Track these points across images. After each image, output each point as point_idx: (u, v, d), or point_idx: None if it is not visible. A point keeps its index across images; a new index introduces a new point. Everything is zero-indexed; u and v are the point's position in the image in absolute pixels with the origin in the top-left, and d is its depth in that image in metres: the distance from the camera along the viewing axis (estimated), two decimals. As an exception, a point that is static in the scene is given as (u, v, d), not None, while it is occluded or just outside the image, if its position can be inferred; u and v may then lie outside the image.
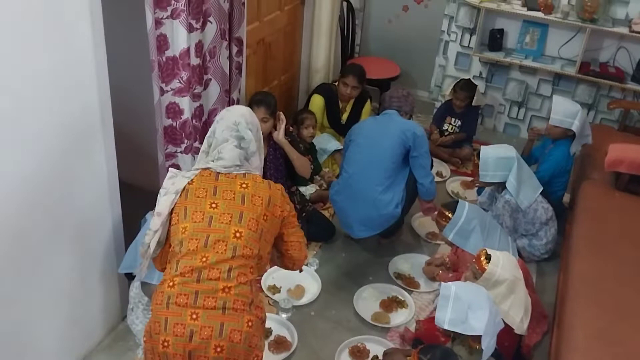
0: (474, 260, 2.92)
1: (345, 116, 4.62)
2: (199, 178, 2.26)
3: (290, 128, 3.90)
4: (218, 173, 2.27)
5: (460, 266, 3.35)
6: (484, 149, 3.74)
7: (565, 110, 3.91)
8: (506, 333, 2.74)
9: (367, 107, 4.64)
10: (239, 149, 2.30)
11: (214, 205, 2.19)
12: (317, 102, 4.49)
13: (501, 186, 3.71)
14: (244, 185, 2.24)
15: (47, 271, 2.59)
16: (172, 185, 2.25)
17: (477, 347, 2.51)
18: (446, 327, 2.51)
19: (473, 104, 4.79)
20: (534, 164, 4.17)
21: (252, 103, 3.61)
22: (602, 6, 4.55)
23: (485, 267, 2.83)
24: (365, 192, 3.52)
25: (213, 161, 2.29)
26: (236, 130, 2.31)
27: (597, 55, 4.85)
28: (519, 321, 2.84)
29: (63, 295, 2.73)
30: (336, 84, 4.60)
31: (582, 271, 3.19)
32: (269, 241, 2.30)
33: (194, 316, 2.05)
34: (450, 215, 3.33)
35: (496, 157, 3.65)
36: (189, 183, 2.24)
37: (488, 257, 2.86)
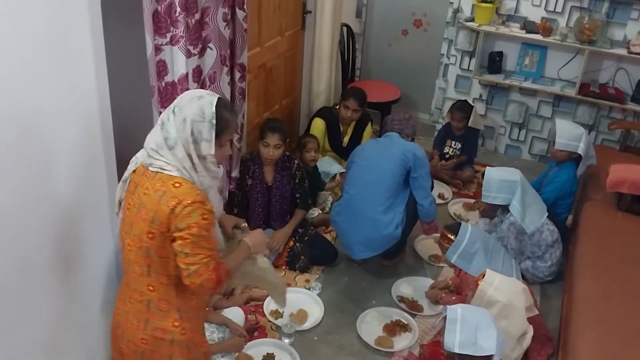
0: (476, 280, 2.91)
1: (346, 139, 4.65)
2: (140, 168, 2.15)
3: (287, 153, 3.91)
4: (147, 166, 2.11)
5: (464, 289, 3.34)
6: (488, 170, 3.75)
7: (570, 134, 3.94)
8: None
9: (368, 129, 4.67)
10: (160, 130, 2.09)
11: (128, 207, 2.15)
12: (319, 126, 4.53)
13: (506, 208, 3.71)
14: (145, 192, 2.07)
15: (48, 297, 2.58)
16: (126, 172, 2.21)
17: None
18: (457, 350, 2.49)
19: (469, 124, 4.81)
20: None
21: (266, 129, 3.68)
22: (600, 28, 4.59)
23: (477, 284, 2.82)
24: (365, 213, 3.53)
25: None
26: (170, 110, 2.10)
27: (596, 77, 4.88)
28: (509, 349, 2.82)
29: (64, 321, 2.72)
30: (337, 107, 4.63)
31: (585, 292, 3.18)
32: (167, 258, 2.11)
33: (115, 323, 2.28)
34: (452, 237, 3.33)
35: (500, 179, 3.66)
36: (133, 171, 2.18)
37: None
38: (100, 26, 2.47)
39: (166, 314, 2.16)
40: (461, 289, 3.39)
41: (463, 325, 2.53)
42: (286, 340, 3.27)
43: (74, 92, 2.44)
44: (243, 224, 2.54)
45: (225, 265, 2.16)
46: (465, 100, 4.88)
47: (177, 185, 2.02)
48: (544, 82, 4.99)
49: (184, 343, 2.19)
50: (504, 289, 2.85)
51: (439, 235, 3.55)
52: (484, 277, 2.87)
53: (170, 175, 2.04)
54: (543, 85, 4.95)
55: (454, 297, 3.37)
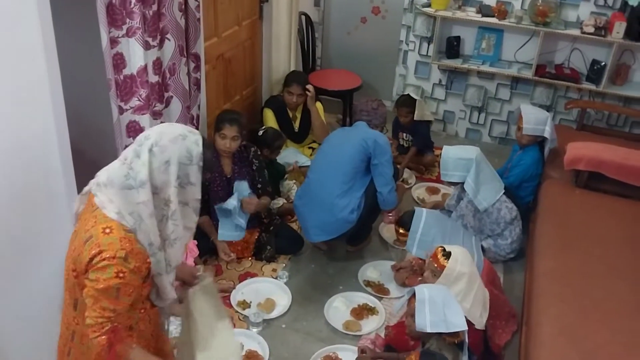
0: (431, 258, 2.93)
1: (297, 124, 4.66)
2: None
3: (243, 143, 3.87)
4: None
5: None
6: (445, 149, 3.78)
7: (536, 119, 4.07)
8: (470, 330, 2.76)
9: (319, 106, 4.66)
10: (121, 166, 1.85)
11: (76, 229, 1.97)
12: (269, 115, 4.57)
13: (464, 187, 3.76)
14: (76, 225, 1.91)
15: (13, 294, 2.53)
16: (87, 186, 1.99)
17: (455, 341, 2.52)
18: (429, 330, 2.48)
19: (415, 118, 4.78)
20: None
21: (224, 121, 3.63)
22: (554, 9, 4.66)
23: (445, 264, 2.85)
24: (322, 197, 3.55)
25: None
26: (144, 147, 1.83)
27: (552, 58, 4.96)
28: (479, 316, 2.87)
29: (30, 319, 2.67)
30: (282, 95, 4.64)
31: (546, 269, 3.24)
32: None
33: None
34: (403, 231, 3.34)
35: (455, 157, 3.70)
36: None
37: (447, 254, 2.89)
38: (50, 21, 2.42)
39: (88, 349, 1.96)
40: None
41: (432, 305, 2.54)
42: (254, 330, 3.27)
43: (26, 86, 2.39)
44: (199, 273, 2.27)
45: (127, 339, 1.92)
46: (408, 94, 4.84)
47: (107, 231, 1.80)
48: (501, 65, 5.05)
49: None
50: (465, 261, 2.88)
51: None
52: (439, 253, 2.88)
53: (106, 216, 1.82)
54: (500, 68, 5.02)
55: (419, 278, 3.40)
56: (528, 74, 4.90)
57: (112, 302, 1.84)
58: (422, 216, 3.34)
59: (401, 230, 3.39)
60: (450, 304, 2.55)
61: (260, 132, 4.21)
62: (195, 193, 1.91)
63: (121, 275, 1.80)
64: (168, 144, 1.84)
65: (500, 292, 3.37)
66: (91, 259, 1.80)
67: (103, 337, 1.85)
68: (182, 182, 1.86)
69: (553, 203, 3.80)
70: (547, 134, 4.04)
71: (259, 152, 3.90)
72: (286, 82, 4.58)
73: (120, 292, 1.84)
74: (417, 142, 4.87)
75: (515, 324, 3.38)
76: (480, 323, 2.86)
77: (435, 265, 2.88)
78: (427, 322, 2.49)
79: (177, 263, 1.99)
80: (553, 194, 3.89)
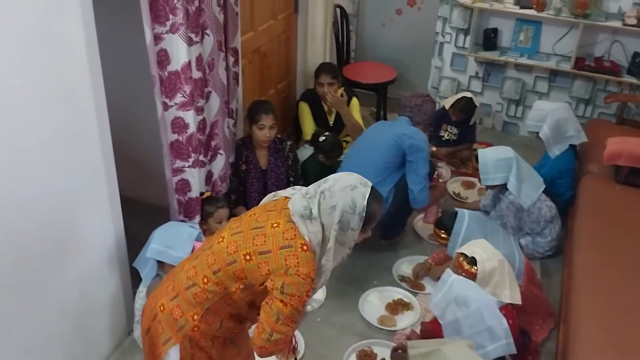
0: (455, 265, 2.91)
1: (332, 118, 4.62)
2: (283, 199, 2.21)
3: (278, 135, 3.90)
4: None
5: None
6: (481, 152, 3.72)
7: (538, 116, 4.05)
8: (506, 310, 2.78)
9: (354, 103, 4.59)
10: (302, 198, 2.11)
11: (250, 215, 2.22)
12: (304, 109, 4.54)
13: (504, 187, 3.71)
14: (274, 225, 2.10)
15: (50, 290, 2.59)
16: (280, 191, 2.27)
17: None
18: (431, 307, 2.68)
19: (470, 124, 4.77)
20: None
21: (259, 111, 3.68)
22: (594, 1, 4.57)
23: (474, 271, 2.83)
24: None
25: None
26: (319, 189, 2.11)
27: (591, 50, 4.86)
28: (516, 293, 2.89)
29: (67, 313, 2.74)
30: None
31: (585, 265, 3.20)
32: (242, 280, 2.14)
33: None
34: (444, 234, 3.33)
35: (494, 159, 3.64)
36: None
37: (471, 260, 2.85)
38: (92, 17, 2.46)
39: (194, 305, 2.12)
40: (445, 261, 3.47)
41: (447, 290, 2.70)
42: (289, 323, 3.30)
43: (67, 84, 2.43)
44: None
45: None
46: (471, 99, 4.73)
47: (304, 248, 2.02)
48: (539, 58, 4.97)
49: (188, 337, 2.14)
50: (489, 254, 2.87)
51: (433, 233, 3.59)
52: (464, 261, 2.87)
53: (302, 235, 2.03)
54: (538, 61, 4.94)
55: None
56: (567, 66, 4.81)
57: (299, 315, 2.09)
58: (465, 219, 3.30)
59: (443, 235, 3.36)
60: (461, 305, 2.71)
61: (322, 138, 4.15)
62: (353, 236, 2.09)
63: (309, 294, 2.04)
64: (337, 191, 2.06)
65: (540, 290, 3.33)
66: (287, 268, 2.00)
67: (285, 345, 2.13)
68: (343, 226, 2.05)
69: (592, 199, 3.74)
70: (542, 134, 4.00)
71: (295, 147, 3.92)
72: (316, 74, 4.57)
73: (304, 308, 2.12)
74: (465, 137, 4.82)
75: (553, 322, 3.34)
76: (516, 299, 2.88)
77: (464, 274, 2.85)
78: (434, 300, 2.77)
79: (317, 289, 2.17)
80: (592, 189, 3.83)
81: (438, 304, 2.73)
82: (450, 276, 2.75)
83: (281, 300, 2.01)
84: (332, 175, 2.16)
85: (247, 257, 2.04)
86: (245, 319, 2.27)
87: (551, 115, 3.97)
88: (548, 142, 4.03)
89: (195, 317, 2.12)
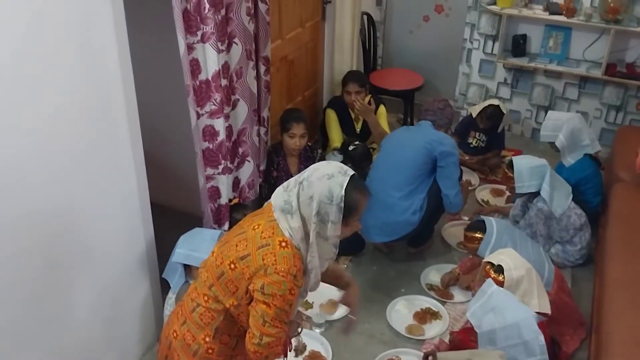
0: (482, 273, 2.88)
1: (359, 125, 4.62)
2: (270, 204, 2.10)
3: (309, 143, 3.92)
4: None
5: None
6: (516, 160, 3.71)
7: (553, 125, 3.99)
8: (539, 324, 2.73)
9: (382, 111, 4.59)
10: (283, 192, 2.00)
11: (240, 224, 2.16)
12: (331, 116, 4.56)
13: (533, 195, 3.67)
14: (255, 227, 2.02)
15: (81, 296, 2.63)
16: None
17: None
18: (467, 315, 2.64)
19: (499, 131, 4.73)
20: None
21: (290, 120, 3.73)
22: (626, 6, 4.51)
23: (501, 279, 2.80)
24: (383, 197, 3.52)
25: None
26: (299, 179, 1.99)
27: (623, 56, 4.79)
28: (545, 302, 2.85)
29: (97, 318, 2.77)
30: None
31: (617, 275, 3.15)
32: (234, 292, 2.06)
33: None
34: (478, 235, 3.31)
35: (529, 166, 3.62)
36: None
37: (498, 269, 2.83)
38: (124, 28, 2.50)
39: (203, 327, 2.09)
40: (472, 269, 3.44)
41: (487, 300, 2.65)
42: (317, 330, 3.30)
43: (100, 95, 2.47)
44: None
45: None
46: (498, 106, 4.68)
47: (282, 244, 1.93)
48: (569, 64, 4.91)
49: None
50: (517, 262, 2.84)
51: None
52: (491, 270, 2.84)
53: (282, 232, 1.94)
54: (568, 67, 4.88)
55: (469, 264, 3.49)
56: (597, 73, 4.75)
57: (286, 315, 1.99)
58: (493, 222, 3.29)
59: (476, 235, 3.33)
60: (499, 314, 2.64)
61: (351, 147, 4.14)
62: (335, 230, 1.94)
63: (293, 292, 1.94)
64: (315, 180, 1.93)
65: (570, 299, 3.29)
66: (265, 268, 1.91)
67: (279, 347, 2.03)
68: (322, 218, 1.93)
69: (624, 207, 3.68)
70: (558, 143, 3.94)
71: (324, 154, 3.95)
72: (343, 82, 4.57)
73: (292, 307, 2.00)
74: (494, 144, 4.79)
75: (584, 332, 3.29)
76: (546, 307, 2.85)
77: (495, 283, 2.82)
78: (472, 308, 2.70)
79: (311, 290, 2.11)
80: (624, 198, 3.77)
81: (475, 313, 2.67)
82: (490, 287, 2.70)
83: (264, 302, 1.93)
84: (313, 164, 2.03)
85: (232, 265, 1.97)
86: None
87: (567, 125, 3.94)
88: (563, 151, 3.99)
89: (207, 339, 2.08)
